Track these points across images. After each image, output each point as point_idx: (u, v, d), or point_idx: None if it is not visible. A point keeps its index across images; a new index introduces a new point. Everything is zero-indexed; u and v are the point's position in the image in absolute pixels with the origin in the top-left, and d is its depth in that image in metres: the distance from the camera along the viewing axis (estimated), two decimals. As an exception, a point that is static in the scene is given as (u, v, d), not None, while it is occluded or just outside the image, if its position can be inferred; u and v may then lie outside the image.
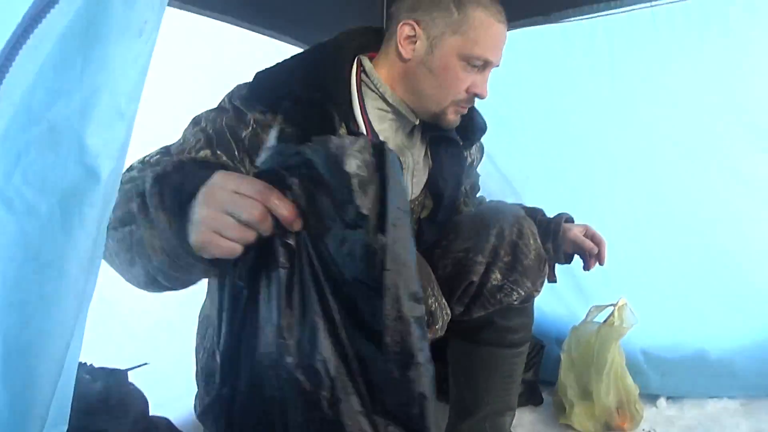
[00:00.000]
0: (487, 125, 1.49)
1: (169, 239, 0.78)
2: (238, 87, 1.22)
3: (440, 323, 1.03)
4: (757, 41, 1.72)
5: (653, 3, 1.79)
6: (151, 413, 1.30)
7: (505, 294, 1.33)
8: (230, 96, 1.20)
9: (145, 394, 1.30)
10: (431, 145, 1.41)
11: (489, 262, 1.31)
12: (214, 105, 1.22)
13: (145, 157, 1.09)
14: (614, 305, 1.82)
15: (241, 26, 1.92)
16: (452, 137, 1.40)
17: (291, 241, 0.78)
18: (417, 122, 1.34)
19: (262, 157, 0.83)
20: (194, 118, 1.17)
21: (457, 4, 1.21)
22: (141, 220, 0.81)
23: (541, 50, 2.03)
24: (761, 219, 1.84)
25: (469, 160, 1.54)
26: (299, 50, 1.46)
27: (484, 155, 1.69)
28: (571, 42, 1.97)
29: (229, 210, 0.74)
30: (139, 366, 1.34)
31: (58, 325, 0.67)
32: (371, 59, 1.32)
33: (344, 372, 0.80)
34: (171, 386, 1.53)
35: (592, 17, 1.89)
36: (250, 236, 0.75)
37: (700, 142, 1.88)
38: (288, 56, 1.27)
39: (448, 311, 1.07)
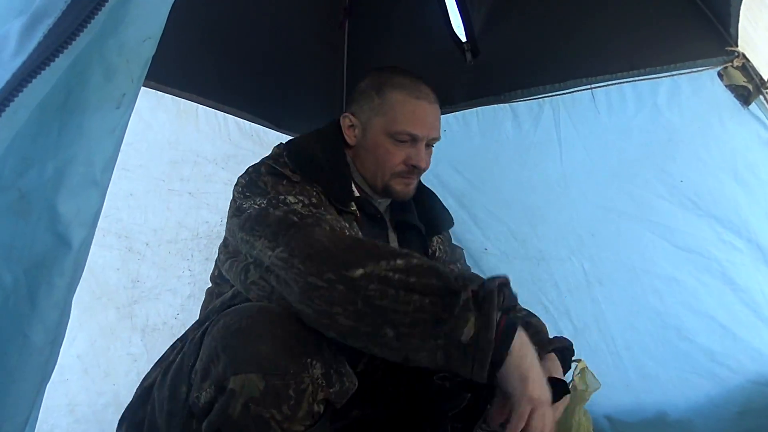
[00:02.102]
0: (453, 221, 1.62)
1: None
2: (271, 160, 1.31)
3: (337, 387, 1.04)
4: (681, 118, 1.90)
5: (592, 85, 1.96)
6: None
7: None
8: (267, 166, 1.28)
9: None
10: (398, 232, 1.51)
11: None
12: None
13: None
14: (575, 361, 1.84)
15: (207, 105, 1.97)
16: (415, 224, 1.51)
17: None
18: (385, 203, 1.46)
19: None
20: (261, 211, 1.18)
21: (378, 91, 1.38)
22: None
23: (492, 127, 2.16)
24: (700, 282, 1.95)
25: (431, 250, 1.58)
26: (257, 127, 1.90)
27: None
28: (520, 119, 2.11)
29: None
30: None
31: (20, 399, 0.63)
32: None
33: None
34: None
35: (539, 97, 2.07)
36: None
37: (639, 209, 2.01)
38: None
39: (354, 380, 1.10)
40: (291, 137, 2.20)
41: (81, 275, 0.69)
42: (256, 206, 1.17)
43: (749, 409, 1.87)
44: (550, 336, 1.43)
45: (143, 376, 1.28)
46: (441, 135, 1.44)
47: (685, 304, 1.97)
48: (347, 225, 1.27)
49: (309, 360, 1.01)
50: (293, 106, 2.32)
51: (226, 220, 1.27)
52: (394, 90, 1.37)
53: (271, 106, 2.20)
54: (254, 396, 0.96)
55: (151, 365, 1.61)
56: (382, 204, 1.47)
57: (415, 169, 1.39)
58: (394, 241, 1.48)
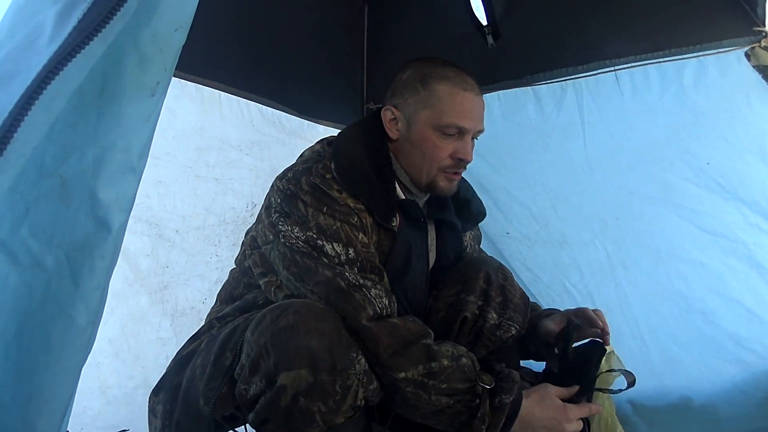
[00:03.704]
0: (486, 213, 1.60)
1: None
2: (310, 173, 1.27)
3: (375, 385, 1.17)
4: (707, 99, 1.87)
5: (616, 67, 1.94)
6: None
7: (504, 331, 1.41)
8: (311, 182, 1.25)
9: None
10: (436, 228, 1.52)
11: (482, 304, 1.40)
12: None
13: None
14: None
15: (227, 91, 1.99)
16: (453, 222, 1.50)
17: None
18: (424, 198, 1.44)
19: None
20: (300, 221, 1.22)
21: (423, 83, 1.33)
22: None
23: (514, 111, 2.15)
24: (726, 266, 1.92)
25: (464, 244, 1.62)
26: (279, 113, 1.94)
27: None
28: (542, 102, 2.10)
29: None
30: (119, 432, 1.32)
31: (64, 377, 0.66)
32: None
33: None
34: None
35: (561, 80, 2.05)
36: None
37: (664, 192, 1.98)
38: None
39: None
40: (309, 120, 2.27)
41: (118, 258, 0.72)
42: (293, 240, 1.21)
43: (776, 394, 1.85)
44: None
45: (172, 358, 1.34)
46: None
47: (710, 287, 1.95)
48: (387, 245, 1.33)
49: (354, 354, 1.09)
50: (314, 92, 2.34)
51: (252, 208, 1.30)
52: (441, 81, 1.32)
53: (292, 92, 2.21)
54: (303, 389, 1.03)
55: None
56: (421, 199, 1.45)
57: (462, 163, 1.35)
58: (433, 241, 1.50)
